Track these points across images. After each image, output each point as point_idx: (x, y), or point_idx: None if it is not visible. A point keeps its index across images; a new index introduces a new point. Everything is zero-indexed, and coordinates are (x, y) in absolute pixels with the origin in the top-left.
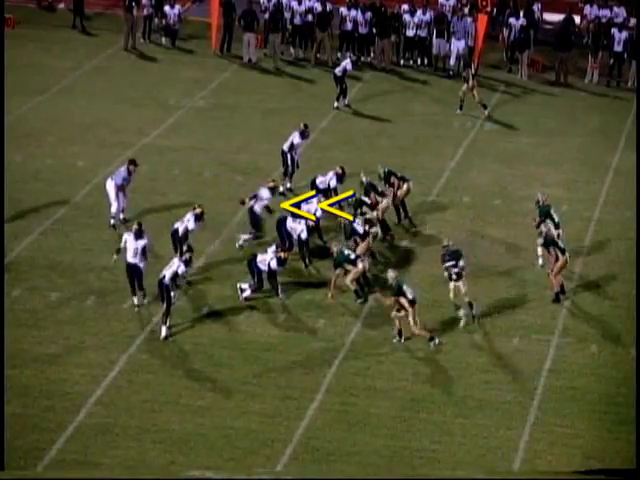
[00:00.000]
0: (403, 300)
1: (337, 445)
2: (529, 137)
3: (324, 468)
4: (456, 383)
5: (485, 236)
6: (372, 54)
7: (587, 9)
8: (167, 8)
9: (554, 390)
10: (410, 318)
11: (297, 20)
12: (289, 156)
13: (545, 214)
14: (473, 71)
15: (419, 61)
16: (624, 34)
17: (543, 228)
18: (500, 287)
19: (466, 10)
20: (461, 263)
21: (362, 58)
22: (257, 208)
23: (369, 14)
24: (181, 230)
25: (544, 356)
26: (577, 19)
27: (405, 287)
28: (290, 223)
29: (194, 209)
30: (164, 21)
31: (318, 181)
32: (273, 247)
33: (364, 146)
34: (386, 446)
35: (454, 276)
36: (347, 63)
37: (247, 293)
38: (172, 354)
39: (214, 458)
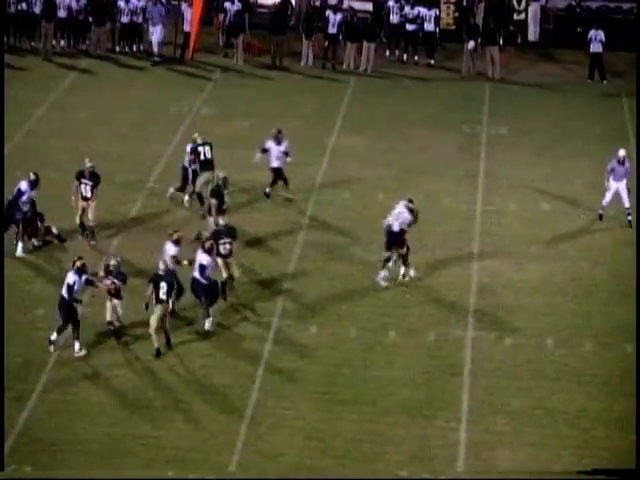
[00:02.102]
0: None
1: (59, 435)
2: (247, 121)
3: (45, 459)
4: (177, 369)
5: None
6: (88, 41)
7: None
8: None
9: (275, 372)
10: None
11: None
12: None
13: None
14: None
15: (134, 48)
16: (339, 16)
17: None
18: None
19: None
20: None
21: (77, 46)
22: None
23: (84, 1)
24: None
25: (264, 339)
26: (293, 1)
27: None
28: None
29: (170, 235)
30: None
31: None
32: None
33: (81, 135)
34: (107, 434)
35: (225, 252)
36: None
37: None
38: None
39: None
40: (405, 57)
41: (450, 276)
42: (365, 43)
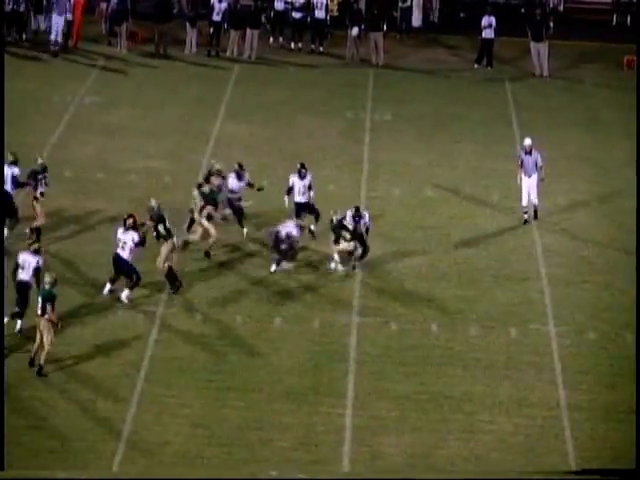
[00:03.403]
0: None
1: None
2: (130, 109)
3: None
4: (62, 358)
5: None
6: None
7: None
8: None
9: (160, 360)
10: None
11: None
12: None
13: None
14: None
15: (18, 37)
16: (223, 4)
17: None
18: None
19: None
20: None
21: None
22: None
23: None
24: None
25: (150, 327)
26: None
27: None
28: None
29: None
30: None
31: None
32: None
33: None
34: None
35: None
36: None
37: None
38: None
39: None
40: (292, 45)
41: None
42: (249, 30)
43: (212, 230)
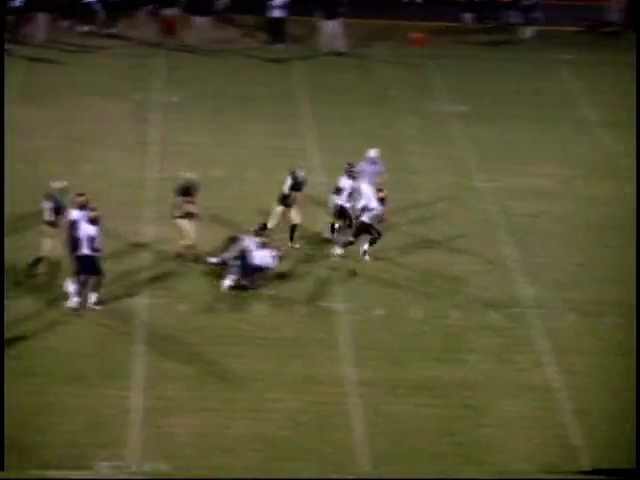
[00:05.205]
0: None
1: None
2: None
3: None
4: None
5: None
6: None
7: None
8: None
9: None
10: None
11: None
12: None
13: None
14: None
15: None
16: None
17: None
18: None
19: None
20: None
21: None
22: None
23: None
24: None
25: None
26: None
27: None
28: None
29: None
30: None
31: None
32: None
33: None
34: None
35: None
36: None
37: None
38: None
39: None
40: (84, 27)
41: (127, 244)
42: (40, 14)
43: None
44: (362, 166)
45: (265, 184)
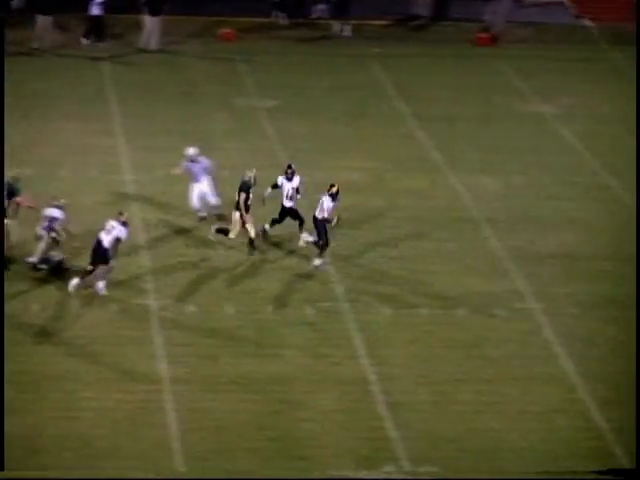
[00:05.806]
0: None
1: None
2: None
3: None
4: None
5: None
6: None
7: None
8: None
9: None
10: None
11: None
12: None
13: None
14: None
15: None
16: None
17: None
18: None
19: None
20: None
21: None
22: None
23: None
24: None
25: None
26: None
27: None
28: None
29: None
30: None
31: None
32: None
33: None
34: None
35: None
36: None
37: None
38: None
39: None
40: None
41: None
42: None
43: None
44: (188, 168)
45: (77, 181)
